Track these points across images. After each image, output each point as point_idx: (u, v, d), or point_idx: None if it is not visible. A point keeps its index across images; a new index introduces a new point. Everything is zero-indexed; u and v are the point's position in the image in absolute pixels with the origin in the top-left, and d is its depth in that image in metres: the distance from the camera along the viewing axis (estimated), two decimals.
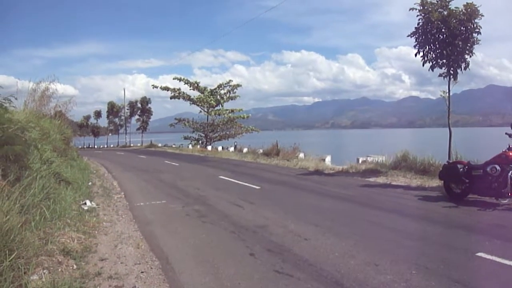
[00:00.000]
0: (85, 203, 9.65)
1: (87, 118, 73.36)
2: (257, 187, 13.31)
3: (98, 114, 73.13)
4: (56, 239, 6.05)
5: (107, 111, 70.27)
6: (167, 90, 47.72)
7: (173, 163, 25.04)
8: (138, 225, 8.43)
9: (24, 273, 4.66)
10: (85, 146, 65.89)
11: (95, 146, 71.08)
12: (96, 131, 73.28)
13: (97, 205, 10.18)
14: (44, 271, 5.00)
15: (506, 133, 9.67)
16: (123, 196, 12.31)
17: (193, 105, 47.75)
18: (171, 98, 48.29)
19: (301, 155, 23.91)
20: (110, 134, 76.45)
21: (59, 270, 5.21)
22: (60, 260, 5.48)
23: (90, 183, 14.05)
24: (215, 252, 6.30)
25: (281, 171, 18.43)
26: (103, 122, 73.49)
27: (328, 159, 21.16)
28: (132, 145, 66.03)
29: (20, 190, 6.28)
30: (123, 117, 70.12)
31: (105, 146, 71.17)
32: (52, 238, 6.01)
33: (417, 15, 13.62)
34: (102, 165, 24.67)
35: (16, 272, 4.60)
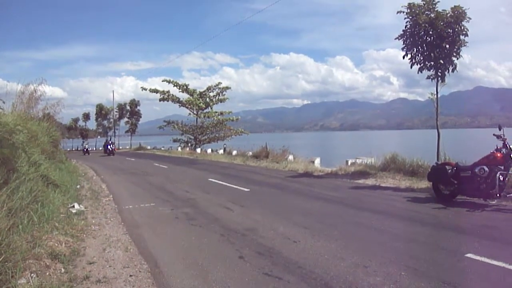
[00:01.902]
0: (73, 206, 9.60)
1: (76, 120, 72.82)
2: (247, 190, 13.29)
3: (86, 116, 72.58)
4: (44, 242, 6.01)
5: (96, 114, 69.74)
6: (156, 93, 47.59)
7: (162, 166, 24.97)
8: (126, 228, 8.38)
9: (12, 276, 4.62)
10: (73, 149, 65.37)
11: (82, 150, 70.63)
12: (84, 134, 72.71)
13: (85, 208, 10.13)
14: (32, 274, 4.95)
15: (494, 134, 9.74)
16: (112, 199, 12.25)
17: (182, 107, 47.70)
18: (160, 101, 48.18)
19: (291, 157, 23.94)
20: (99, 137, 75.91)
21: (47, 273, 5.17)
22: (48, 263, 5.43)
23: (78, 186, 13.98)
24: (204, 255, 6.28)
25: (271, 174, 18.44)
26: (91, 124, 73.04)
27: (317, 161, 21.21)
28: (121, 147, 65.72)
29: (7, 193, 6.23)
30: (112, 120, 69.67)
31: (94, 148, 70.71)
32: (40, 241, 5.96)
33: (405, 18, 13.72)
34: (91, 167, 24.59)
35: (4, 276, 4.56)
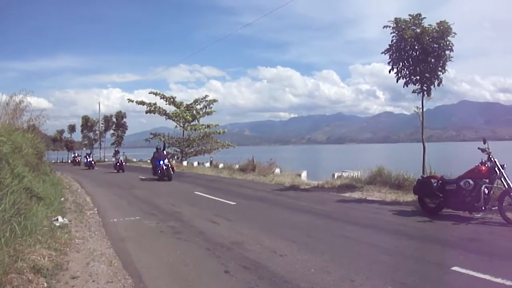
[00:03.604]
0: (57, 219, 9.47)
1: (61, 132, 72.49)
2: (233, 203, 13.23)
3: (72, 128, 72.27)
4: (26, 256, 5.89)
5: (82, 125, 69.40)
6: (143, 105, 47.37)
7: (148, 179, 24.77)
8: (111, 242, 8.27)
9: None
10: (58, 161, 64.75)
11: (69, 161, 70.04)
12: (70, 146, 72.24)
13: (69, 221, 10.00)
14: None
15: (478, 148, 9.82)
16: (96, 212, 12.11)
17: (169, 120, 47.49)
18: (146, 113, 47.95)
19: (277, 170, 23.93)
20: (84, 149, 75.39)
21: None
22: (30, 278, 5.33)
23: (62, 199, 13.81)
24: (189, 270, 6.21)
25: (257, 187, 18.40)
26: (77, 136, 72.59)
27: (304, 174, 21.23)
28: (106, 160, 65.24)
29: None
30: (97, 132, 69.35)
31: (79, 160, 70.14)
32: (23, 255, 5.85)
33: (391, 33, 13.85)
34: (76, 180, 24.34)
35: None
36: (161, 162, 22.96)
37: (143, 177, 25.65)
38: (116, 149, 39.19)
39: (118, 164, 33.10)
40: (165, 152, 24.27)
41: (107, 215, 11.46)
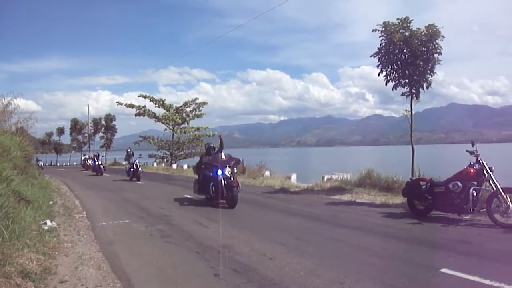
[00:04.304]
0: (46, 223, 9.38)
1: (50, 135, 71.89)
2: (223, 206, 13.18)
3: (61, 131, 71.70)
4: (14, 260, 5.83)
5: (70, 128, 68.85)
6: (132, 107, 47.25)
7: (137, 182, 24.65)
8: (100, 245, 8.22)
9: None
10: (47, 164, 64.29)
11: (58, 164, 69.54)
12: (58, 148, 71.75)
13: (58, 225, 9.91)
14: None
15: (467, 150, 9.88)
16: (85, 215, 12.03)
17: (158, 122, 47.45)
18: (136, 116, 47.86)
19: (267, 173, 23.94)
20: (73, 152, 74.87)
21: None
22: (18, 282, 5.28)
23: (51, 202, 13.68)
24: (178, 273, 6.19)
25: (247, 190, 18.34)
26: (66, 139, 71.98)
27: (293, 177, 21.25)
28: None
29: None
30: (86, 134, 68.91)
31: (68, 163, 69.67)
32: (10, 259, 5.78)
33: (380, 36, 13.91)
34: (64, 183, 24.15)
35: None
36: (219, 173, 13.16)
37: (132, 180, 25.29)
38: (129, 150, 28.87)
39: (132, 169, 25.92)
40: (223, 156, 14.02)
41: (96, 219, 11.39)
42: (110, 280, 5.97)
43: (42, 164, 42.15)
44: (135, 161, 26.01)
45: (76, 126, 68.48)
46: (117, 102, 48.60)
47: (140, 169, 25.82)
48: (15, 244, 6.53)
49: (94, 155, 37.67)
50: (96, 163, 34.68)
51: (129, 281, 5.90)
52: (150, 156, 49.43)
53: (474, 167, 9.59)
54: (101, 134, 66.51)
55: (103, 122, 66.19)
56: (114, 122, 66.07)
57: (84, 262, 6.92)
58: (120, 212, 12.68)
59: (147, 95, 47.88)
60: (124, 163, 34.18)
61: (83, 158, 47.72)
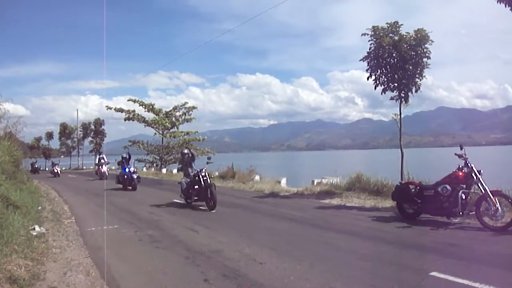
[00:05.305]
0: (34, 229, 9.29)
1: (39, 139, 71.41)
2: (212, 211, 13.15)
3: (50, 135, 71.24)
4: (2, 266, 5.77)
5: (59, 133, 68.45)
6: (122, 112, 47.00)
7: (127, 186, 24.47)
8: (89, 251, 8.15)
9: None
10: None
11: (47, 169, 69.03)
12: (47, 153, 71.24)
13: (46, 230, 9.82)
14: None
15: (455, 154, 9.94)
16: (74, 221, 11.93)
17: (148, 127, 47.23)
18: (125, 120, 47.59)
19: (257, 177, 23.87)
20: (62, 156, 74.29)
21: None
22: None
23: (39, 207, 13.56)
24: (168, 279, 6.15)
25: (237, 194, 18.34)
26: (55, 144, 71.45)
27: (283, 181, 21.21)
28: (85, 167, 64.40)
29: None
30: (75, 139, 68.53)
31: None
32: None
33: (369, 40, 13.95)
34: (53, 188, 23.94)
35: None
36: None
37: (121, 185, 24.75)
38: (125, 155, 24.02)
39: (126, 176, 21.77)
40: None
41: (85, 224, 11.30)
42: (99, 286, 5.92)
43: (38, 167, 41.19)
44: (130, 167, 22.35)
45: (65, 131, 68.10)
46: (106, 107, 48.42)
47: (136, 175, 21.93)
48: (3, 250, 6.47)
49: (123, 158, 23.79)
50: (127, 169, 22.30)
51: (118, 287, 5.86)
52: (139, 161, 49.16)
53: (463, 170, 9.65)
54: (90, 138, 66.15)
55: (93, 127, 65.86)
56: (103, 127, 65.71)
57: (73, 268, 6.86)
58: (109, 217, 12.54)
59: (137, 99, 47.68)
60: (114, 167, 31.17)
61: (97, 161, 33.67)
